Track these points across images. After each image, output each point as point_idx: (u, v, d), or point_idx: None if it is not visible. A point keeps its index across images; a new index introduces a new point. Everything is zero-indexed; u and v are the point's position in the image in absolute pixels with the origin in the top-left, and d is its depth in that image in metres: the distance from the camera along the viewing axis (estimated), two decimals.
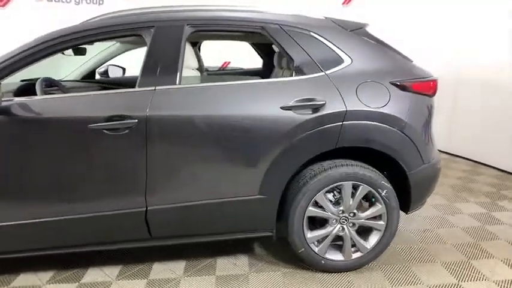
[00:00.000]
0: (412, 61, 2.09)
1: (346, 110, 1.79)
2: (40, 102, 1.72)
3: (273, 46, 3.19)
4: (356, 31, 2.02)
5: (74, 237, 1.83)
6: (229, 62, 5.49)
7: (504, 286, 1.90)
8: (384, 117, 1.83)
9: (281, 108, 1.76)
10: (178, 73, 1.77)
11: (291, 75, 1.89)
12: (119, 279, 1.99)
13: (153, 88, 1.73)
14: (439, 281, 1.96)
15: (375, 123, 1.83)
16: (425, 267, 2.09)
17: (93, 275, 2.03)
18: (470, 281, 1.96)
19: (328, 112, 1.78)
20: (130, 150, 1.71)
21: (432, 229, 2.52)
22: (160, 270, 2.07)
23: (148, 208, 1.79)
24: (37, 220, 1.72)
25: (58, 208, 1.74)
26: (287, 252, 2.17)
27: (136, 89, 1.74)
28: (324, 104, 1.78)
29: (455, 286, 1.91)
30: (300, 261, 2.08)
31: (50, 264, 2.11)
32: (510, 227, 2.55)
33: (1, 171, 1.68)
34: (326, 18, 2.04)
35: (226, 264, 2.12)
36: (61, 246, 1.84)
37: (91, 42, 1.87)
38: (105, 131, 1.67)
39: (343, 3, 5.29)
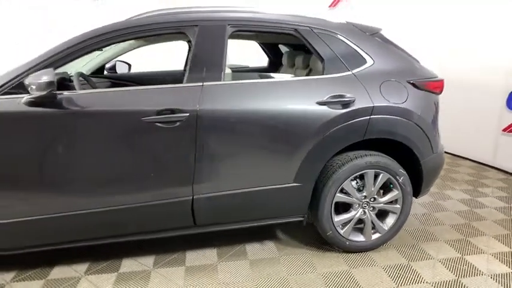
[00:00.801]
0: (419, 62, 2.35)
1: (373, 106, 2.01)
2: (94, 96, 1.77)
3: (280, 47, 3.39)
4: (374, 35, 2.24)
5: (123, 227, 1.90)
6: None
7: (500, 258, 2.22)
8: (404, 112, 2.07)
9: (317, 103, 1.94)
10: (223, 70, 1.89)
11: (316, 74, 2.08)
12: (157, 268, 2.08)
13: (201, 84, 1.84)
14: (445, 255, 2.24)
15: (396, 117, 2.06)
16: (432, 244, 2.37)
17: (129, 265, 2.10)
18: (472, 254, 2.26)
19: (358, 107, 1.99)
20: (180, 142, 1.81)
21: (430, 213, 2.82)
22: (197, 257, 2.18)
23: (194, 197, 1.90)
24: (91, 211, 1.78)
25: (110, 199, 1.80)
26: (309, 238, 2.37)
27: (185, 84, 1.84)
28: (354, 100, 1.98)
29: (460, 259, 2.20)
30: (325, 243, 2.28)
31: (82, 256, 2.15)
32: (493, 209, 2.92)
33: (58, 164, 1.71)
34: (347, 22, 2.24)
35: (256, 250, 2.27)
36: (110, 236, 1.90)
37: (137, 39, 1.93)
38: (157, 123, 1.75)
39: (330, 6, 5.57)
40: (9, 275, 2.00)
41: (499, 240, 2.43)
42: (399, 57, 2.23)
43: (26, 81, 1.56)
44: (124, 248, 2.21)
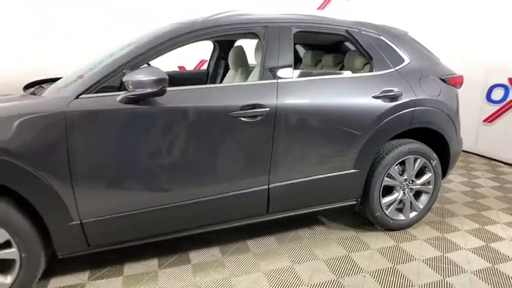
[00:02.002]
0: (439, 59, 2.68)
1: (416, 99, 2.30)
2: (189, 92, 1.85)
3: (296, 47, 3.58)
4: (405, 36, 2.53)
5: (204, 218, 1.99)
6: (206, 60, 5.68)
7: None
8: (439, 104, 2.39)
9: (373, 97, 2.18)
10: (292, 68, 2.06)
11: (351, 71, 2.32)
12: (226, 256, 2.19)
13: (276, 81, 1.99)
14: (470, 227, 2.60)
15: (433, 108, 2.37)
16: (455, 219, 2.72)
17: (201, 256, 2.19)
18: (489, 225, 2.64)
19: (404, 100, 2.26)
20: (261, 134, 1.94)
21: (441, 194, 3.20)
22: (257, 244, 2.32)
23: (270, 186, 2.04)
24: (185, 202, 1.86)
25: (201, 190, 1.89)
26: (344, 221, 2.62)
27: (262, 81, 1.98)
28: (401, 94, 2.25)
29: (482, 229, 2.57)
30: (369, 224, 2.55)
31: (149, 251, 2.20)
32: (490, 188, 3.38)
33: (155, 158, 1.77)
34: (384, 25, 2.51)
35: (307, 234, 2.46)
36: (192, 228, 1.98)
37: (214, 38, 2.02)
38: (241, 118, 1.88)
39: (318, 8, 5.88)
40: (84, 275, 2.00)
41: (504, 213, 2.86)
42: (427, 56, 2.54)
43: (127, 78, 1.61)
44: (179, 242, 2.29)
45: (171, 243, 2.24)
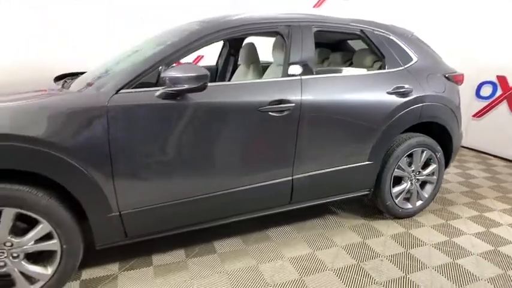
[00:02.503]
0: (441, 58, 2.85)
1: (425, 95, 2.45)
2: (219, 88, 1.92)
3: None
4: (412, 35, 2.68)
5: (234, 208, 2.08)
6: (202, 56, 5.74)
7: (508, 212, 2.85)
8: (444, 99, 2.55)
9: (387, 93, 2.32)
10: (314, 65, 2.16)
11: (361, 68, 2.46)
12: (249, 245, 2.28)
13: (300, 77, 2.09)
14: (469, 214, 2.80)
15: (439, 104, 2.53)
16: (455, 208, 2.92)
17: (225, 245, 2.28)
18: (487, 212, 2.85)
19: (415, 96, 2.41)
20: (286, 128, 2.04)
21: None
22: (277, 233, 2.43)
23: (294, 177, 2.15)
24: (217, 193, 1.94)
25: (233, 181, 1.98)
26: (354, 211, 2.77)
27: (288, 77, 2.07)
28: (412, 90, 2.40)
29: (481, 216, 2.78)
30: (378, 213, 2.70)
31: (174, 242, 2.26)
32: (483, 178, 3.61)
33: (192, 152, 1.84)
34: (392, 24, 2.65)
35: (322, 223, 2.59)
36: (223, 218, 2.06)
37: (242, 35, 2.09)
38: (270, 113, 1.97)
39: (314, 6, 6.00)
40: (113, 266, 2.05)
41: (499, 201, 3.08)
42: (432, 55, 2.70)
43: (169, 74, 1.67)
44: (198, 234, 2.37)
45: (193, 234, 2.31)
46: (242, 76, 2.89)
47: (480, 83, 4.42)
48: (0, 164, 1.49)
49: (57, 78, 2.20)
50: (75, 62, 4.41)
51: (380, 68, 2.57)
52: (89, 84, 1.79)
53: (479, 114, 4.47)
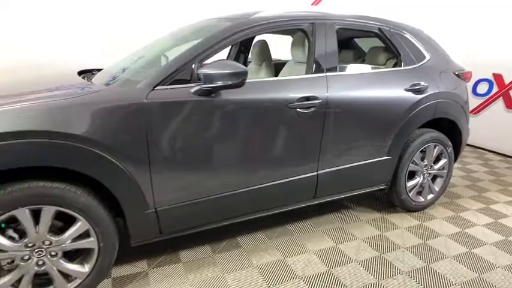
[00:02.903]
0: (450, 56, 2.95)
1: (439, 92, 2.54)
2: (251, 85, 1.92)
3: None
4: (422, 33, 2.76)
5: (264, 203, 2.11)
6: None
7: (511, 204, 2.99)
8: (455, 96, 2.65)
9: (405, 89, 2.39)
10: (337, 62, 2.21)
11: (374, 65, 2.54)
12: (272, 240, 2.32)
13: (325, 74, 2.13)
14: (477, 207, 2.92)
15: (451, 100, 2.63)
16: (462, 200, 3.03)
17: (249, 240, 2.31)
18: (492, 204, 2.98)
19: (430, 93, 2.49)
20: (313, 124, 2.08)
21: None
22: (297, 228, 2.48)
23: (319, 172, 2.20)
24: (245, 189, 1.96)
25: (264, 176, 2.01)
26: (368, 205, 2.85)
27: (313, 75, 2.11)
28: (427, 87, 2.48)
29: (487, 208, 2.90)
30: (391, 207, 2.78)
31: (196, 238, 2.28)
32: (483, 173, 3.76)
33: (224, 146, 1.87)
34: (406, 23, 2.72)
35: (340, 218, 2.65)
36: (253, 213, 2.09)
37: (269, 33, 2.11)
38: (298, 109, 2.01)
39: (313, 4, 6.06)
40: (142, 263, 2.05)
41: (501, 193, 3.22)
42: (442, 53, 2.79)
43: (204, 71, 1.68)
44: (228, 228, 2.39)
45: (216, 231, 2.32)
46: (254, 74, 2.92)
47: (476, 81, 4.57)
48: (41, 161, 1.48)
49: (82, 72, 2.19)
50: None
51: (394, 66, 2.64)
52: (113, 81, 1.79)
53: (476, 110, 4.63)
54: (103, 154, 1.57)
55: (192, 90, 1.73)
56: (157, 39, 2.63)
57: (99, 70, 2.44)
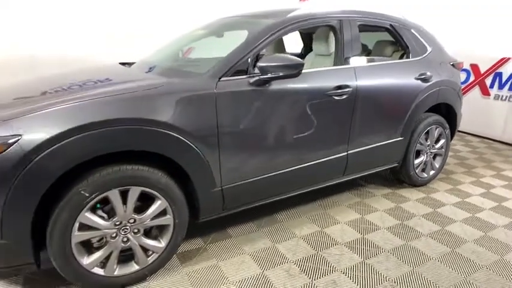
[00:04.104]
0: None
1: (440, 80, 2.91)
2: (306, 75, 2.16)
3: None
4: (423, 29, 3.12)
5: (306, 181, 2.38)
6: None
7: (497, 177, 3.45)
8: (452, 83, 3.04)
9: (414, 78, 2.73)
10: (361, 54, 2.50)
11: (402, 58, 2.87)
12: (306, 216, 2.60)
13: (353, 65, 2.41)
14: (469, 180, 3.36)
15: (449, 87, 3.01)
16: (456, 176, 3.46)
17: (286, 217, 2.56)
18: (482, 178, 3.43)
19: (434, 81, 2.85)
20: (345, 109, 2.36)
21: None
22: (327, 203, 2.76)
23: (349, 152, 2.49)
24: (294, 168, 2.22)
25: (308, 156, 2.27)
26: (378, 183, 3.20)
27: (344, 66, 2.39)
28: (432, 76, 2.84)
29: (478, 181, 3.34)
30: (399, 183, 3.14)
31: (234, 218, 2.50)
32: (467, 152, 4.25)
33: (279, 130, 2.10)
34: (410, 20, 3.06)
35: (358, 194, 2.97)
36: (297, 189, 2.35)
37: (304, 29, 2.35)
38: (334, 96, 2.27)
39: (301, 0, 6.33)
40: (196, 240, 2.25)
41: (487, 169, 3.69)
42: (439, 45, 3.16)
43: (265, 63, 1.90)
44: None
45: (254, 210, 2.55)
46: None
47: None
48: (133, 145, 1.64)
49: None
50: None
51: (401, 58, 2.98)
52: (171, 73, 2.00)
53: None
54: (182, 138, 1.75)
55: (252, 80, 1.95)
56: (188, 34, 2.81)
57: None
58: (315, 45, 2.76)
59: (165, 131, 1.70)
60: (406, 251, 2.20)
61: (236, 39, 2.55)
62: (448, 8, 4.98)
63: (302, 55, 4.08)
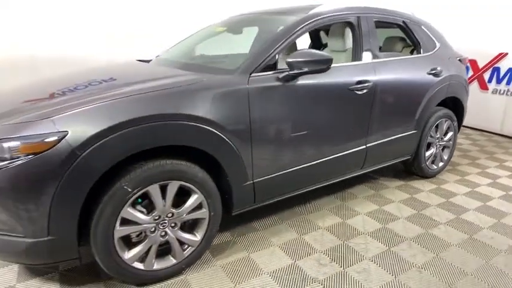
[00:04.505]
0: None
1: (450, 75, 3.00)
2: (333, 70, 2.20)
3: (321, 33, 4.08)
4: (431, 26, 3.21)
5: (331, 173, 2.45)
6: None
7: (500, 168, 3.58)
8: (460, 78, 3.15)
9: (426, 73, 2.82)
10: (377, 50, 2.56)
11: (415, 53, 2.96)
12: (329, 209, 2.67)
13: (371, 61, 2.48)
14: (476, 171, 3.47)
15: (457, 82, 3.11)
16: (462, 167, 3.58)
17: (309, 209, 2.63)
18: (487, 169, 3.55)
19: (444, 76, 2.95)
20: (365, 104, 2.43)
21: None
22: (346, 195, 2.84)
23: (368, 145, 2.56)
24: (320, 160, 2.28)
25: (332, 150, 2.34)
26: (389, 175, 3.30)
27: (363, 61, 2.45)
28: (442, 71, 2.93)
29: (483, 172, 3.46)
30: (409, 175, 3.24)
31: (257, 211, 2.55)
32: (468, 145, 4.38)
33: (309, 124, 2.17)
34: (419, 17, 3.14)
35: (371, 187, 3.06)
36: (322, 181, 2.43)
37: (326, 25, 2.40)
38: (356, 91, 2.34)
39: None
40: (223, 234, 2.28)
41: (490, 160, 3.83)
42: (446, 41, 3.27)
43: (291, 59, 1.95)
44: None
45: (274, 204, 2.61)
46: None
47: None
48: (174, 140, 1.67)
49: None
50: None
51: (411, 53, 3.07)
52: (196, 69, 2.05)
53: None
54: (218, 133, 1.79)
55: (281, 76, 1.99)
56: (206, 31, 2.85)
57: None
58: (331, 41, 2.81)
59: (204, 126, 1.73)
60: (427, 238, 2.29)
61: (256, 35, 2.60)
62: (447, 6, 5.11)
63: None
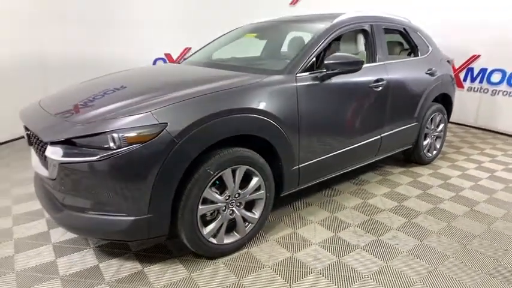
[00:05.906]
0: None
1: (442, 74, 3.49)
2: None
3: None
4: (423, 31, 3.69)
5: (356, 159, 2.83)
6: (190, 48, 6.14)
7: (482, 155, 4.13)
8: (449, 77, 3.66)
9: (425, 73, 3.28)
10: (387, 53, 2.98)
11: (414, 56, 3.43)
12: (348, 193, 3.04)
13: (383, 62, 2.89)
14: (463, 158, 4.00)
15: (448, 80, 3.62)
16: (451, 155, 4.09)
17: (340, 189, 2.98)
18: (471, 155, 4.09)
19: (438, 75, 3.43)
20: (381, 99, 2.83)
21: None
22: (358, 181, 3.22)
23: (382, 135, 2.96)
24: (349, 148, 2.65)
25: (358, 138, 2.72)
26: (391, 164, 3.74)
27: (377, 63, 2.85)
28: (436, 71, 3.41)
29: (469, 159, 3.99)
30: (407, 162, 3.69)
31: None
32: (451, 136, 4.95)
33: (343, 116, 2.53)
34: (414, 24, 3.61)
35: (378, 173, 3.47)
36: (349, 167, 2.79)
37: (346, 32, 2.77)
38: (374, 88, 2.73)
39: (291, 4, 6.77)
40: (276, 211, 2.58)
41: (470, 148, 4.39)
42: (435, 45, 3.76)
43: (329, 61, 2.30)
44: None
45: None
46: None
47: None
48: (244, 130, 1.97)
49: None
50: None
51: (408, 56, 3.53)
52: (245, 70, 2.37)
53: None
54: (275, 124, 2.10)
55: (320, 75, 2.34)
56: (237, 35, 3.16)
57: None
58: (343, 45, 3.20)
59: (265, 118, 2.04)
60: (437, 211, 2.72)
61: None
62: (429, 8, 5.68)
63: None
